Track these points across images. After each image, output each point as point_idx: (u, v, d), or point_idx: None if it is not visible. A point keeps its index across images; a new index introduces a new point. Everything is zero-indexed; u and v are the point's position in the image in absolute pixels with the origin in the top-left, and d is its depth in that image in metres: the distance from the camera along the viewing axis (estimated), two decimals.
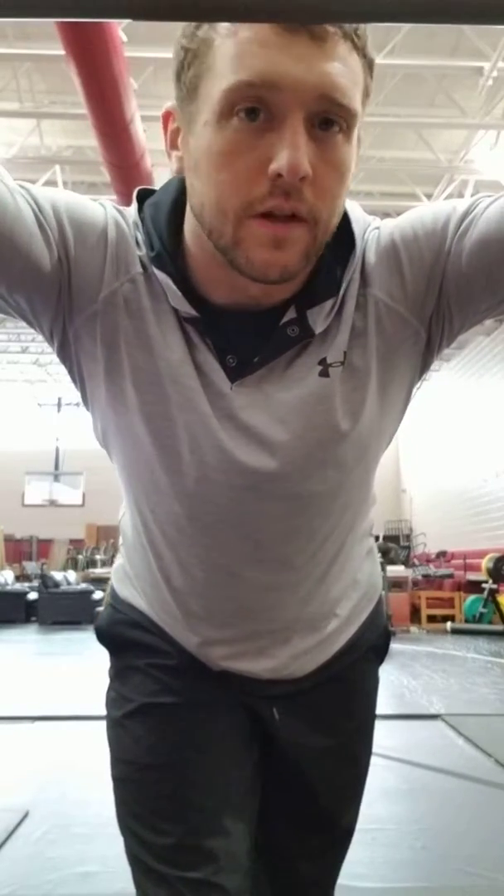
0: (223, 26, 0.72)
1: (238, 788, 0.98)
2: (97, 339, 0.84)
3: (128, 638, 1.03)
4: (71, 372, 0.89)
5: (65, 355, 0.88)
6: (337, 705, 1.05)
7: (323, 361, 0.84)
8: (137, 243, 0.84)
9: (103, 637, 1.07)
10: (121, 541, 1.10)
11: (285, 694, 1.00)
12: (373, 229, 0.87)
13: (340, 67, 0.71)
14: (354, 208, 0.87)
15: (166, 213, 0.83)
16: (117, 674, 1.04)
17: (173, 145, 0.81)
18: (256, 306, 0.82)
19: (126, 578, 1.05)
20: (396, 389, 0.89)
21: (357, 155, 0.79)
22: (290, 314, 0.83)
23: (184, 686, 0.99)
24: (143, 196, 0.88)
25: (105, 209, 0.85)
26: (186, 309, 0.82)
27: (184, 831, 0.93)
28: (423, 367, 0.91)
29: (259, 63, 0.69)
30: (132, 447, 0.89)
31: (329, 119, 0.72)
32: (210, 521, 0.90)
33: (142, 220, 0.85)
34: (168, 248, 0.82)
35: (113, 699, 1.03)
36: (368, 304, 0.84)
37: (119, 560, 1.09)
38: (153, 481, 0.90)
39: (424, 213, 0.85)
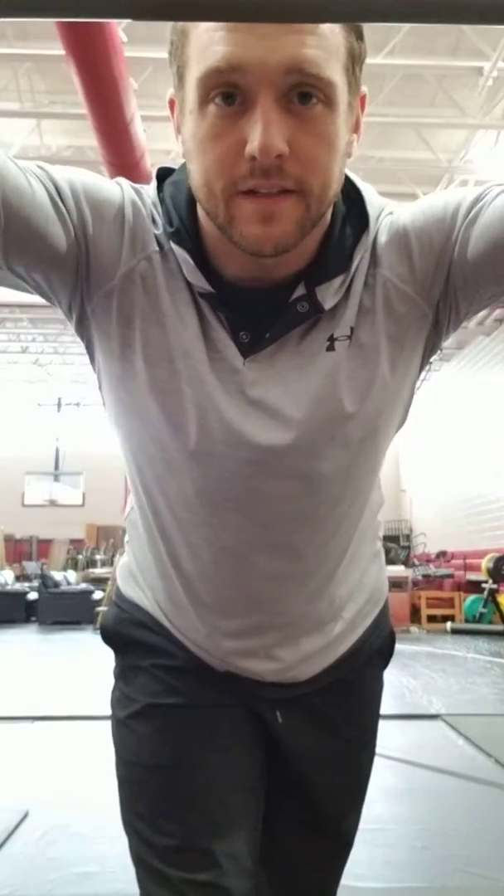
0: None
1: (241, 790, 0.97)
2: (113, 315, 0.85)
3: (133, 637, 1.03)
4: (88, 348, 0.91)
5: (82, 331, 0.89)
6: (341, 710, 1.05)
7: (331, 338, 0.85)
8: (154, 222, 0.85)
9: (108, 636, 1.07)
10: (126, 538, 1.09)
11: (289, 697, 1.00)
12: (387, 213, 0.88)
13: (309, 38, 0.71)
14: (370, 190, 0.89)
15: (186, 191, 0.84)
16: (122, 673, 1.04)
17: (178, 131, 0.82)
18: (268, 281, 0.83)
19: (131, 577, 1.05)
20: (404, 371, 0.89)
21: (353, 123, 0.80)
22: (300, 291, 0.83)
23: (188, 687, 0.99)
24: (163, 175, 0.89)
25: (122, 188, 0.86)
26: (202, 283, 0.83)
27: (187, 833, 0.93)
28: (431, 349, 0.91)
29: (224, 48, 0.71)
30: (143, 424, 0.90)
31: (305, 92, 0.72)
32: (219, 499, 0.90)
33: (161, 198, 0.87)
34: (187, 225, 0.83)
35: (117, 699, 1.03)
36: (377, 283, 0.85)
37: (125, 558, 1.09)
38: (164, 459, 0.90)
39: (436, 200, 0.86)
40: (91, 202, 0.81)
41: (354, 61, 0.77)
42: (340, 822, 1.08)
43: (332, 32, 0.73)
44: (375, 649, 1.08)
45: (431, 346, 0.91)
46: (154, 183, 0.89)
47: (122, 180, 0.87)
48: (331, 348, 0.85)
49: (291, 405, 0.86)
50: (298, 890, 1.09)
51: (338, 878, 1.12)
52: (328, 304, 0.84)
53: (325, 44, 0.72)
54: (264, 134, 0.71)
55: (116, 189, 0.85)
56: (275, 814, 1.04)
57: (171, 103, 0.83)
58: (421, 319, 0.87)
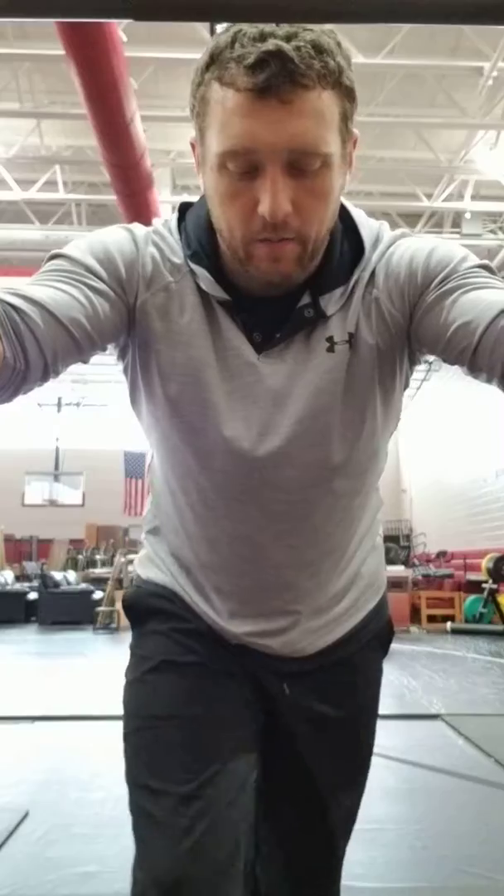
0: (216, 91, 0.87)
1: (248, 749, 1.05)
2: (136, 343, 1.00)
3: (151, 606, 1.12)
4: (128, 379, 1.05)
5: (125, 367, 1.04)
6: (343, 684, 1.14)
7: (330, 339, 0.99)
8: (175, 253, 1.00)
9: (129, 608, 1.17)
10: (142, 536, 1.19)
11: (296, 671, 1.09)
12: (398, 238, 1.01)
13: (308, 122, 0.86)
14: (360, 214, 1.03)
15: (205, 221, 0.99)
16: (139, 640, 1.13)
17: (199, 165, 0.97)
18: (277, 292, 0.97)
19: (150, 564, 1.15)
20: (391, 372, 1.02)
21: (349, 163, 0.95)
22: (306, 299, 0.98)
23: (204, 649, 1.08)
24: (184, 208, 1.06)
25: (142, 235, 1.00)
26: (219, 293, 0.98)
27: (193, 780, 0.98)
28: (410, 366, 1.05)
29: (238, 132, 0.87)
30: (169, 434, 1.03)
31: (307, 162, 0.88)
32: (236, 492, 1.03)
33: (183, 228, 1.02)
34: (205, 247, 0.99)
35: (133, 664, 1.11)
36: (372, 301, 0.99)
37: (143, 551, 1.18)
38: (184, 463, 1.04)
39: (436, 257, 0.96)
40: (121, 263, 0.97)
41: (347, 120, 0.91)
42: (340, 795, 1.15)
43: (329, 106, 0.87)
44: (375, 632, 1.17)
45: (410, 364, 1.04)
46: (176, 215, 1.04)
47: (137, 226, 1.02)
48: (330, 350, 0.99)
49: (298, 395, 0.99)
50: (303, 870, 1.15)
51: (340, 855, 1.17)
52: (330, 311, 0.98)
53: (323, 122, 0.87)
54: (273, 201, 0.87)
55: (131, 236, 1.00)
56: (276, 795, 1.11)
57: (193, 145, 0.98)
58: (401, 337, 0.99)
